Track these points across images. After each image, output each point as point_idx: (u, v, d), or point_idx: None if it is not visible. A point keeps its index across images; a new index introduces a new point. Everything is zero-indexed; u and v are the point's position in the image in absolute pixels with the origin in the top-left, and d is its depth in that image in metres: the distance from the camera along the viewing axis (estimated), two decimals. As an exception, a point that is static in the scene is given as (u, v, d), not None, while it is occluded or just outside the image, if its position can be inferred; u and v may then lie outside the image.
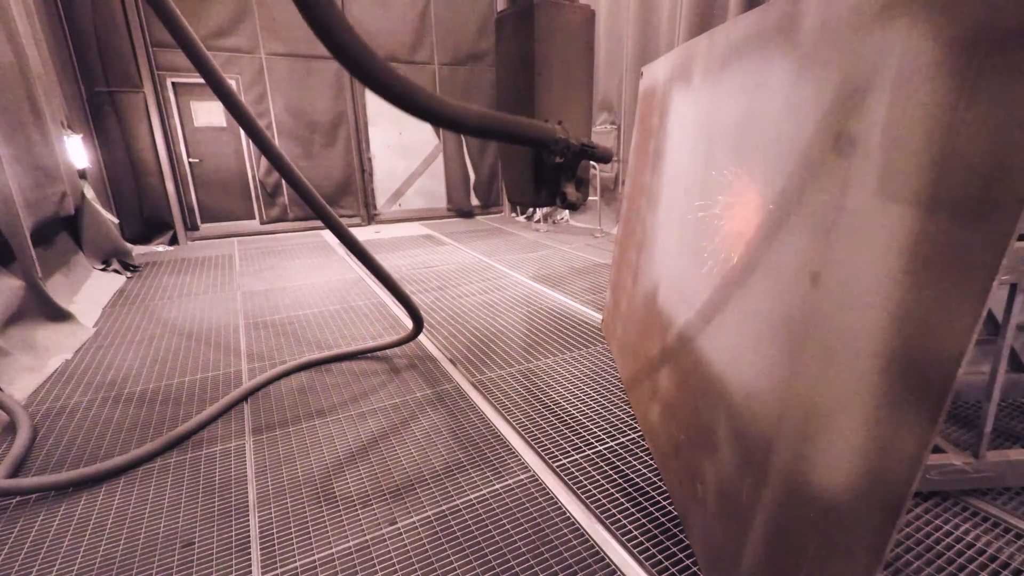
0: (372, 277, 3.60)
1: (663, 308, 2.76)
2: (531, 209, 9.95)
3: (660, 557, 2.03)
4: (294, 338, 4.27)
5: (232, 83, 8.14)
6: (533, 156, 1.87)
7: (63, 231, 5.54)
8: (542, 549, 2.07)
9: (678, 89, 2.87)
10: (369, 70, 1.57)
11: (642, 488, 2.42)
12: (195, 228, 8.36)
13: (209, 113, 8.14)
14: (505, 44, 1.88)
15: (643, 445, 2.74)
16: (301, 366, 3.65)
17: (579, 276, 5.96)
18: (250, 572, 1.98)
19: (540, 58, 1.82)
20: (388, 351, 4.01)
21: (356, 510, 2.30)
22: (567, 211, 9.59)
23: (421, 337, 4.26)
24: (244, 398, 3.27)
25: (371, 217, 9.77)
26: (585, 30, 1.90)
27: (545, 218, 9.44)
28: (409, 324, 4.52)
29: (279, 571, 1.98)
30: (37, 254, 4.33)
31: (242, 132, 8.20)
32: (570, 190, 1.94)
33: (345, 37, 1.51)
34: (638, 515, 2.25)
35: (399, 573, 1.96)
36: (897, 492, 1.14)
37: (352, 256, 3.32)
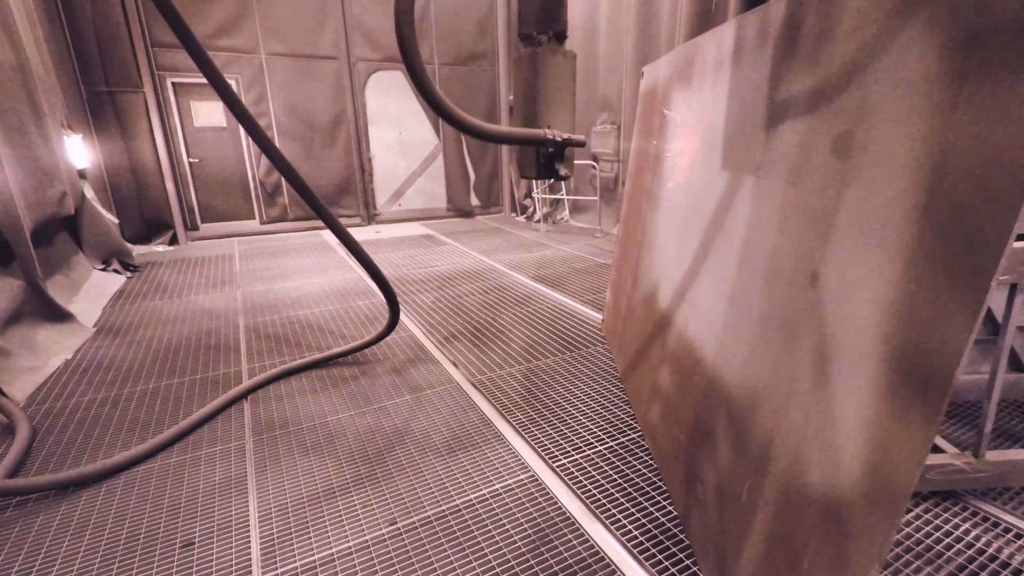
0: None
1: (663, 308, 2.76)
2: (531, 208, 9.97)
3: (660, 557, 2.03)
4: (294, 338, 4.27)
5: (232, 83, 8.14)
6: (535, 148, 2.93)
7: (63, 231, 5.54)
8: (542, 549, 2.07)
9: (678, 89, 2.87)
10: (432, 96, 2.44)
11: (642, 488, 2.42)
12: (195, 228, 8.36)
13: (209, 113, 8.14)
14: (520, 74, 2.96)
15: (643, 445, 2.74)
16: (294, 369, 3.63)
17: (579, 276, 5.96)
18: (250, 572, 1.98)
19: (540, 83, 2.87)
20: (389, 351, 4.00)
21: (356, 510, 2.31)
22: (567, 211, 9.60)
23: (421, 337, 4.26)
24: (240, 398, 3.27)
25: (371, 217, 9.77)
26: (569, 65, 2.95)
27: (545, 218, 9.45)
28: (406, 323, 4.53)
29: (279, 571, 1.98)
30: (37, 254, 4.33)
31: (242, 132, 8.21)
32: (560, 167, 2.88)
33: (423, 78, 2.37)
34: (638, 515, 2.25)
35: (399, 573, 1.96)
36: (896, 491, 1.14)
37: (352, 255, 3.38)
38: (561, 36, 2.92)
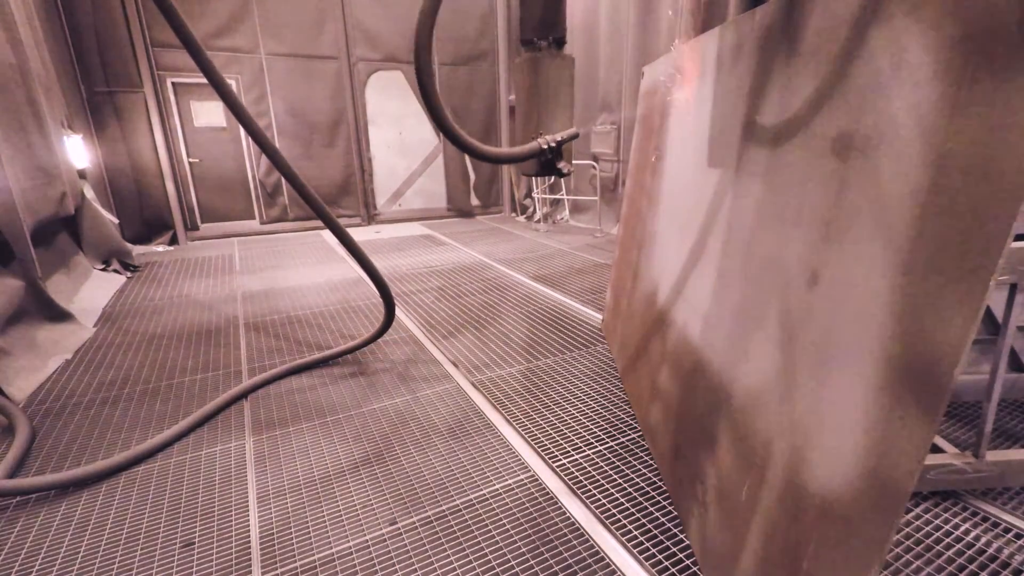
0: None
1: (663, 308, 2.76)
2: (531, 208, 9.97)
3: (660, 557, 2.03)
4: (294, 338, 4.27)
5: (232, 83, 8.14)
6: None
7: (63, 231, 5.54)
8: (542, 549, 2.07)
9: (679, 88, 2.87)
10: (442, 121, 2.63)
11: (642, 488, 2.42)
12: (195, 228, 8.36)
13: (209, 113, 8.14)
14: (523, 77, 3.12)
15: (643, 445, 2.74)
16: (292, 370, 3.62)
17: (579, 276, 5.96)
18: (250, 572, 1.98)
19: (540, 87, 3.05)
20: (388, 350, 4.00)
21: (356, 510, 2.31)
22: (567, 211, 9.60)
23: (421, 337, 4.26)
24: (239, 398, 3.27)
25: (371, 217, 9.77)
26: (568, 69, 3.12)
27: (545, 218, 9.45)
28: (406, 323, 4.53)
29: (279, 571, 1.99)
30: (37, 254, 4.33)
31: (242, 132, 8.21)
32: (561, 164, 3.00)
33: (435, 103, 2.64)
34: (638, 515, 2.25)
35: (399, 573, 1.96)
36: (896, 491, 1.14)
37: (350, 254, 3.40)
38: (560, 41, 3.07)
